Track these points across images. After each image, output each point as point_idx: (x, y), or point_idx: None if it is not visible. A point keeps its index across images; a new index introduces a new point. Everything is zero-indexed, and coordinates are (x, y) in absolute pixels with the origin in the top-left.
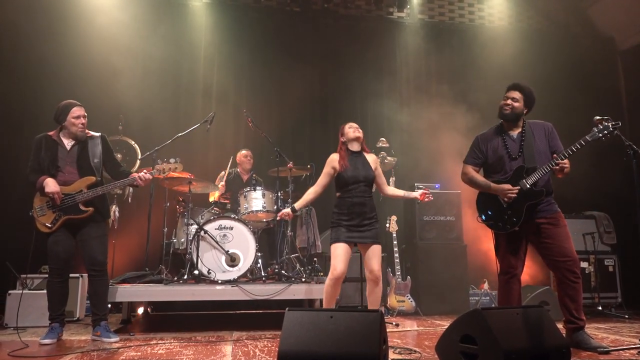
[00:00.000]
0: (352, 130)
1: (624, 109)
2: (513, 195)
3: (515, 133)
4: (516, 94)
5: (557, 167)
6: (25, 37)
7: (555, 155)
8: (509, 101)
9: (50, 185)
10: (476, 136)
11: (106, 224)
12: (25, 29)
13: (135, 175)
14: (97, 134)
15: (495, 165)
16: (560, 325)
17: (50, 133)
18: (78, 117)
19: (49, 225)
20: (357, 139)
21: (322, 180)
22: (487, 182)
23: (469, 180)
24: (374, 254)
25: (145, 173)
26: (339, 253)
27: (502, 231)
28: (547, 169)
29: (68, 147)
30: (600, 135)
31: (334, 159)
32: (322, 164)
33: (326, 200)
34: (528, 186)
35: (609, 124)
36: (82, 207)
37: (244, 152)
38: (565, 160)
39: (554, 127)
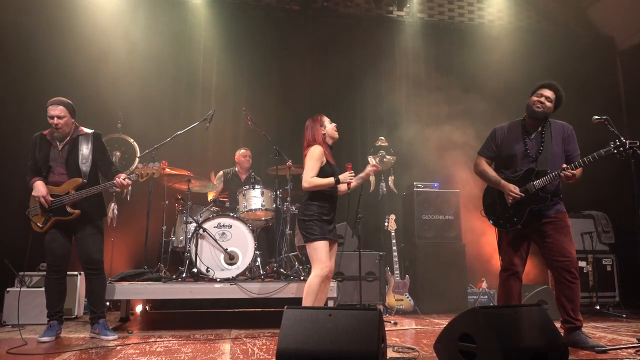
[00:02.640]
0: (333, 127)
1: (623, 108)
2: (516, 198)
3: (535, 132)
4: (550, 94)
5: (563, 176)
6: (25, 36)
7: (565, 165)
8: (543, 99)
9: (37, 189)
10: (494, 128)
11: (103, 221)
12: (24, 28)
13: (116, 179)
14: (90, 131)
15: (508, 161)
16: (557, 325)
17: (45, 132)
18: (52, 117)
19: (40, 226)
20: (335, 139)
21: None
22: (498, 177)
23: (480, 173)
24: (334, 252)
25: (124, 179)
26: (327, 250)
27: (502, 229)
28: (555, 175)
29: (59, 147)
30: (616, 152)
31: (322, 152)
32: None
33: None
34: (534, 190)
35: (627, 142)
36: (68, 209)
37: (242, 151)
38: (576, 171)
39: (573, 130)
